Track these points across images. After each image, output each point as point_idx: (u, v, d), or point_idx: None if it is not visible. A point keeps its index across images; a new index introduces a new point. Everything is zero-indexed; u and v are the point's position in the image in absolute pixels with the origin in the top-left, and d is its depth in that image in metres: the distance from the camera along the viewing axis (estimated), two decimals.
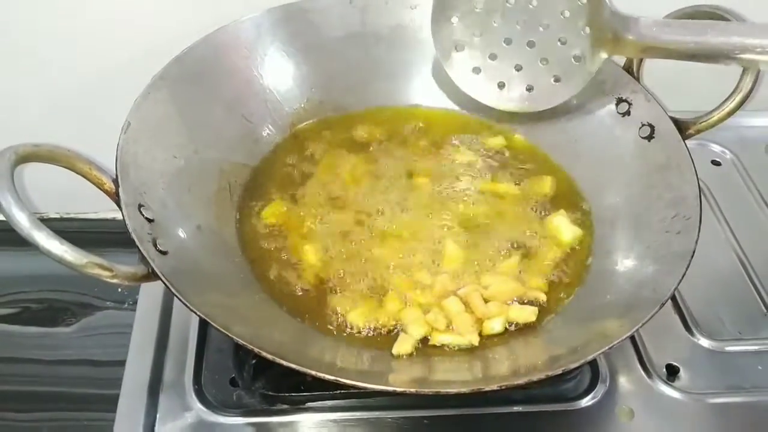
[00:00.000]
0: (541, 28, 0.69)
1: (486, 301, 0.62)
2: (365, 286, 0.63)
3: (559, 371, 0.51)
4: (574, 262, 0.66)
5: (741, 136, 0.88)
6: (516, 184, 0.72)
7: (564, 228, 0.68)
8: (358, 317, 0.61)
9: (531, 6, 0.69)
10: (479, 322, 0.61)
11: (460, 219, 0.69)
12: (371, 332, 0.60)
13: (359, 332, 0.60)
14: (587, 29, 0.67)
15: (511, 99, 0.73)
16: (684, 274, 0.57)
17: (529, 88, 0.72)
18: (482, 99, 0.74)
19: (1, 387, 0.73)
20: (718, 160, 0.87)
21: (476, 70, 0.73)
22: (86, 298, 0.80)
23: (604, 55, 0.67)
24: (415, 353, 0.59)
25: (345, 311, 0.61)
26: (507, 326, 0.61)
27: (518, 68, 0.72)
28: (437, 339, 0.60)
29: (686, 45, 0.63)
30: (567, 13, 0.67)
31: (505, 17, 0.70)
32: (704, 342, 0.68)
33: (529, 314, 0.61)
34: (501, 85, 0.73)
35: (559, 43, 0.69)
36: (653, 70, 0.76)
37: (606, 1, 0.65)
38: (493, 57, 0.72)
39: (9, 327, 0.79)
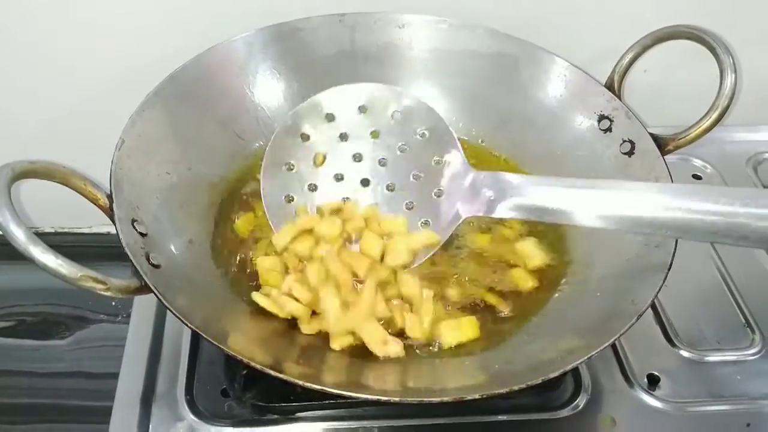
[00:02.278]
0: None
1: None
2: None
3: (538, 380, 0.52)
4: (553, 273, 0.67)
5: (722, 150, 0.90)
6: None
7: (532, 253, 0.68)
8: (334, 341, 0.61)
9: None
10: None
11: None
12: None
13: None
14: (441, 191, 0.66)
15: None
16: (661, 286, 0.58)
17: None
18: None
19: None
20: (699, 174, 0.88)
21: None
22: (80, 311, 0.81)
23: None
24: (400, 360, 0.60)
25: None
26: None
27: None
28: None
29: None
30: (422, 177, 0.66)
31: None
32: (684, 352, 0.70)
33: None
34: None
35: (405, 208, 0.67)
36: (634, 86, 0.78)
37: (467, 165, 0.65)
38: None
39: (4, 340, 0.80)
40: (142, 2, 0.75)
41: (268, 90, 0.76)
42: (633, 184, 0.63)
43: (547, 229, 0.70)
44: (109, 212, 0.58)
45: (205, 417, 0.63)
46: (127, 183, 0.60)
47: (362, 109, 0.67)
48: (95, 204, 0.58)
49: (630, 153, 0.70)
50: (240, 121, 0.74)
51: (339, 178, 0.68)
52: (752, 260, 0.78)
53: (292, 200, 0.67)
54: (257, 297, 0.62)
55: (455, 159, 0.66)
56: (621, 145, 0.71)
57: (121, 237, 0.56)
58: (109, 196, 0.58)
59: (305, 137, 0.67)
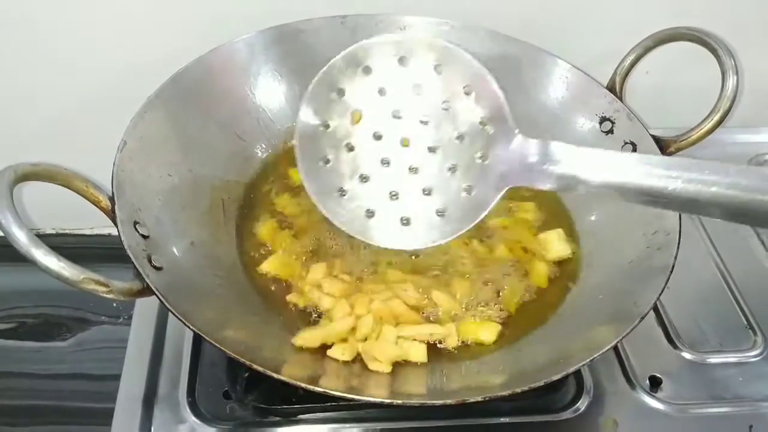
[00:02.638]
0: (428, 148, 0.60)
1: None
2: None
3: (541, 383, 0.52)
4: (558, 275, 0.67)
5: (724, 152, 0.90)
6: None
7: (554, 244, 0.69)
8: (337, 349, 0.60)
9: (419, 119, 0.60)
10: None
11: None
12: None
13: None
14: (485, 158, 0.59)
15: (379, 231, 0.60)
16: (663, 289, 0.58)
17: (405, 222, 0.60)
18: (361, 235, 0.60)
19: None
20: None
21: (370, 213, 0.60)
22: (82, 312, 0.81)
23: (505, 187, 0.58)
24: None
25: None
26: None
27: (394, 196, 0.60)
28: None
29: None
30: (465, 139, 0.59)
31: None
32: (686, 354, 0.70)
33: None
34: (369, 214, 0.60)
35: (447, 171, 0.60)
36: (636, 88, 0.78)
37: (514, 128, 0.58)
38: (364, 179, 0.60)
39: (5, 342, 0.80)
40: (144, 4, 0.75)
41: (269, 92, 0.76)
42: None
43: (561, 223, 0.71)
44: (111, 214, 0.57)
45: (207, 419, 0.63)
46: (128, 185, 0.60)
47: (402, 62, 0.59)
48: (97, 206, 0.58)
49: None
50: (241, 122, 0.74)
51: (377, 137, 0.60)
52: (754, 261, 0.79)
53: (329, 162, 0.60)
54: (300, 341, 0.61)
55: (501, 121, 0.58)
56: (623, 147, 0.71)
57: (123, 239, 0.56)
58: (111, 198, 0.58)
59: (341, 92, 0.60)
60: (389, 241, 0.60)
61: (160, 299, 0.53)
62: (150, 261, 0.56)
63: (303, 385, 0.51)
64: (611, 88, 0.74)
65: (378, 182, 0.60)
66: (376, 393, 0.55)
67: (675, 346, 0.70)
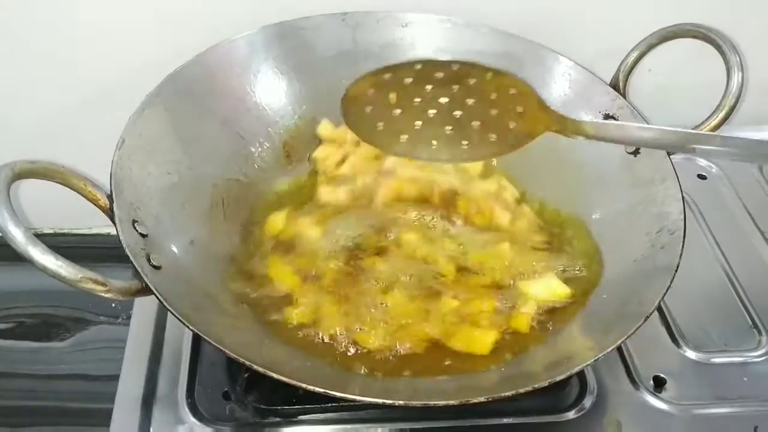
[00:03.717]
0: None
1: None
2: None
3: (545, 383, 0.51)
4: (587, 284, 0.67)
5: None
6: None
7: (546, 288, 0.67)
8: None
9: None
10: None
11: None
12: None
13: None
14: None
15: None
16: (668, 288, 0.57)
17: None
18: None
19: None
20: (704, 173, 0.88)
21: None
22: (80, 312, 0.81)
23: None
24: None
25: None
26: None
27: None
28: None
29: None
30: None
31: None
32: (691, 354, 0.69)
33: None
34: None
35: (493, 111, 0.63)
36: (640, 86, 0.78)
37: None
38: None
39: (3, 342, 0.80)
40: (143, 1, 0.75)
41: (269, 89, 0.75)
42: None
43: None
44: (110, 213, 0.57)
45: (207, 420, 0.63)
46: (127, 183, 0.60)
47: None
48: (95, 204, 0.57)
49: (635, 153, 0.70)
50: (241, 120, 0.74)
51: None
52: (759, 260, 0.78)
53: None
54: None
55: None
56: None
57: (121, 238, 0.55)
58: (110, 197, 0.57)
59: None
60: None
61: (159, 299, 0.53)
62: (149, 260, 0.56)
63: (304, 385, 0.50)
64: (614, 86, 0.73)
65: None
66: (378, 394, 0.54)
67: (679, 346, 0.70)
